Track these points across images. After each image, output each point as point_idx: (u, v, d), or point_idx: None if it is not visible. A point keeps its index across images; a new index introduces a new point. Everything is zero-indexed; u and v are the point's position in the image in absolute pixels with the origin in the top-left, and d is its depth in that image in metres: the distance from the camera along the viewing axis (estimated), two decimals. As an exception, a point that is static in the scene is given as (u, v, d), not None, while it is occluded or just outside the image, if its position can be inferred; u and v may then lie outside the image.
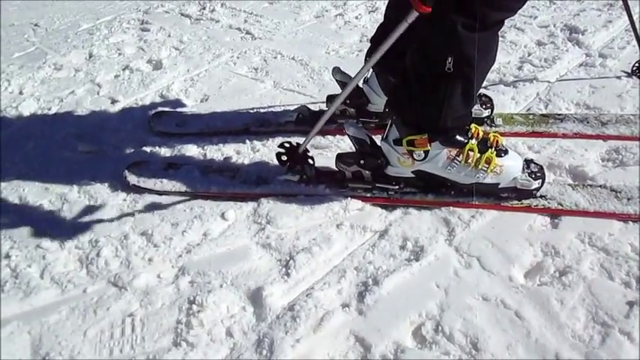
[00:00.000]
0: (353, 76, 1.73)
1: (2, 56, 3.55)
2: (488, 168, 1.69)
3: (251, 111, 2.49)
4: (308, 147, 1.87)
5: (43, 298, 1.53)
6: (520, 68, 2.63)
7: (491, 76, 2.59)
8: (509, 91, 2.43)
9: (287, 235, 1.68)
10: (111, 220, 1.82)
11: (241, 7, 3.97)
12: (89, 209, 1.90)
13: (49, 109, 2.72)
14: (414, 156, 1.71)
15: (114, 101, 2.73)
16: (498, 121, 2.14)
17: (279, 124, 2.29)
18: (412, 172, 1.77)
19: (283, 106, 2.52)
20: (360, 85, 2.18)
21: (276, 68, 2.93)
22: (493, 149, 1.70)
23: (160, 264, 1.62)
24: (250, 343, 1.34)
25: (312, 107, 2.39)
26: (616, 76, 2.48)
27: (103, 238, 1.73)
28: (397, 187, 1.80)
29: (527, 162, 1.75)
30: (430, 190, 1.79)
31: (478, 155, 1.68)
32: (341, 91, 2.16)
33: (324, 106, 2.36)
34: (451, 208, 1.72)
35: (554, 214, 1.67)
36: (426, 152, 1.70)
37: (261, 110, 2.49)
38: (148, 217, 1.82)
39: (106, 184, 2.02)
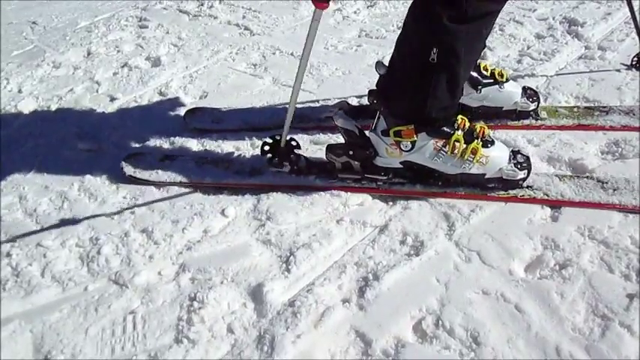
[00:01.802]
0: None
1: (1, 55, 3.54)
2: (474, 158, 1.71)
3: (288, 106, 2.45)
4: (304, 142, 1.88)
5: (44, 297, 1.53)
6: (519, 62, 2.63)
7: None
8: (508, 85, 2.42)
9: (287, 231, 1.68)
10: (111, 218, 1.83)
11: (239, 3, 3.95)
12: (89, 207, 1.90)
13: (49, 108, 2.72)
14: (402, 147, 1.73)
15: (113, 99, 2.73)
16: (543, 114, 2.13)
17: (318, 120, 2.28)
18: (400, 162, 1.79)
19: (319, 101, 2.49)
20: None
21: (275, 64, 2.92)
22: (479, 140, 1.72)
23: (160, 261, 1.62)
24: (251, 340, 1.34)
25: (352, 102, 2.37)
26: (615, 69, 2.47)
27: (103, 235, 1.73)
28: (386, 177, 1.82)
29: (514, 153, 1.76)
30: (418, 181, 1.81)
31: (464, 146, 1.70)
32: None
33: (363, 101, 2.36)
34: (451, 202, 1.73)
35: (542, 204, 1.69)
36: (413, 143, 1.72)
37: (298, 106, 2.47)
38: (148, 215, 1.82)
39: (106, 182, 2.02)
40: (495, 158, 1.72)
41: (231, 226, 1.74)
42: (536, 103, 2.11)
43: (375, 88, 2.17)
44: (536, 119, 2.12)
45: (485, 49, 2.68)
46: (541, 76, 2.48)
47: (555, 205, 1.68)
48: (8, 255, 1.69)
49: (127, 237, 1.71)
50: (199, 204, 1.84)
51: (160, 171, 2.00)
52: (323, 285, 1.47)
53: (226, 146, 2.20)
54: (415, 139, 1.71)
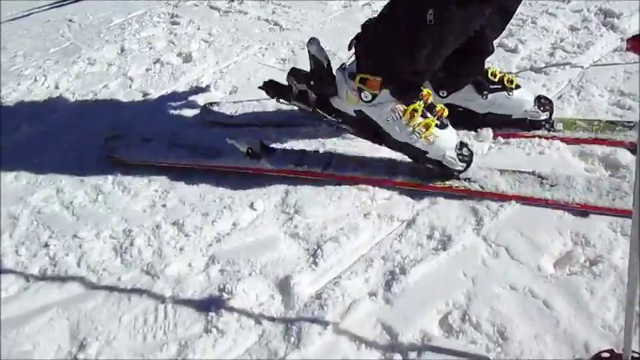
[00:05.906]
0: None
1: (39, 52, 3.65)
2: (423, 133, 1.70)
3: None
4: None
5: (80, 286, 1.59)
6: (552, 54, 2.57)
7: (522, 62, 2.54)
8: (540, 78, 2.37)
9: (315, 224, 1.70)
10: (144, 211, 1.88)
11: (269, -1, 3.98)
12: (123, 200, 1.95)
13: (84, 103, 2.80)
14: (362, 96, 1.71)
15: (145, 94, 2.79)
16: (558, 126, 2.00)
17: None
18: (354, 110, 1.77)
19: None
20: None
21: (304, 59, 2.90)
22: (435, 118, 1.71)
23: (190, 253, 1.65)
24: (278, 331, 1.36)
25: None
26: (653, 61, 2.40)
27: (136, 227, 1.78)
28: (335, 120, 1.82)
29: (462, 144, 1.76)
30: (362, 133, 1.83)
31: (420, 119, 1.70)
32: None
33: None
34: (478, 197, 1.71)
35: (472, 196, 1.70)
36: (374, 95, 1.70)
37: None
38: (179, 208, 1.86)
39: (139, 175, 2.06)
40: (443, 141, 1.71)
41: (259, 219, 1.76)
42: (547, 113, 1.98)
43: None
44: (549, 130, 1.98)
45: (517, 44, 2.65)
46: (574, 67, 2.43)
47: (484, 197, 1.70)
48: (46, 245, 1.76)
49: (159, 229, 1.76)
50: (229, 197, 1.87)
51: (134, 152, 2.15)
52: (350, 278, 1.48)
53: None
54: (377, 92, 1.69)
